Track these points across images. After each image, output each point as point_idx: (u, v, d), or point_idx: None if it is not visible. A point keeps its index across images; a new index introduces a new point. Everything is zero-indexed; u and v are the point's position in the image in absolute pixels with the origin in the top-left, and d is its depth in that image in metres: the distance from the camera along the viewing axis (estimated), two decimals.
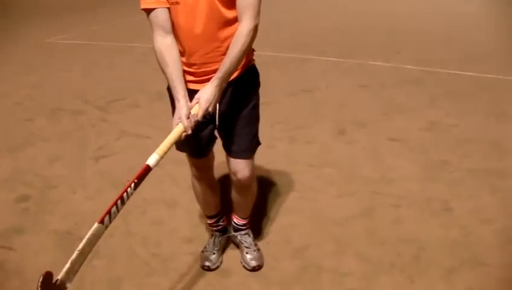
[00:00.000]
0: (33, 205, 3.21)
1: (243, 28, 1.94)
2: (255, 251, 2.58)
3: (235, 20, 1.99)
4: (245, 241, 2.60)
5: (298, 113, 4.63)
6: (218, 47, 2.03)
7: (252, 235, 2.67)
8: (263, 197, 3.11)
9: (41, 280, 1.45)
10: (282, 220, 2.98)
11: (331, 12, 10.88)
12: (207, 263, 2.54)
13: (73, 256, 1.56)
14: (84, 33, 8.91)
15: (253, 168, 2.34)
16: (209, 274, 2.53)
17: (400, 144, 4.04)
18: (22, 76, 6.15)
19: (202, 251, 2.62)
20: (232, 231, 2.68)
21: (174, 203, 3.20)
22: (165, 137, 1.89)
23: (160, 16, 1.97)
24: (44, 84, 5.77)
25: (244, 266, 2.55)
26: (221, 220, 2.69)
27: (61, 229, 2.94)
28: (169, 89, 2.09)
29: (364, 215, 3.05)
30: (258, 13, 1.95)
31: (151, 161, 1.81)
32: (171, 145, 1.90)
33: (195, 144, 2.24)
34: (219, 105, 2.08)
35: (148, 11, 1.98)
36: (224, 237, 2.70)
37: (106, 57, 7.07)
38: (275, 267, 2.58)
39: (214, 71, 2.00)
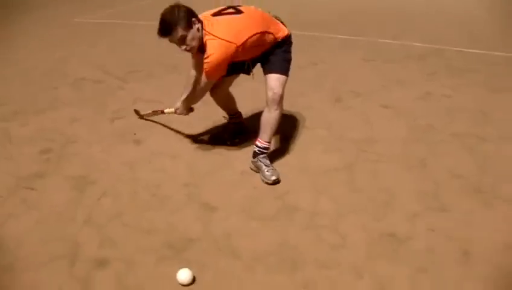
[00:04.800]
0: (54, 156, 3.61)
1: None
2: (273, 168, 3.21)
3: None
4: (265, 162, 3.23)
5: (301, 83, 4.93)
6: None
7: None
8: None
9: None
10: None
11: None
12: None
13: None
14: (110, 13, 9.33)
15: (283, 89, 3.16)
16: (198, 209, 2.91)
17: (391, 110, 4.33)
18: (50, 51, 6.58)
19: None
20: (252, 157, 3.29)
21: (177, 155, 3.57)
22: (174, 103, 3.53)
23: None
24: (69, 58, 6.19)
25: (266, 182, 3.15)
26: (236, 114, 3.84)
27: (77, 174, 3.34)
28: None
29: (346, 168, 3.37)
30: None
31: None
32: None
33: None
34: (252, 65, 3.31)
35: None
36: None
37: (129, 34, 7.47)
38: (257, 207, 2.95)
39: None
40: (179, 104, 3.44)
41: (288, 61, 3.23)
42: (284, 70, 3.19)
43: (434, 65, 5.61)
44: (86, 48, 6.73)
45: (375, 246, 2.60)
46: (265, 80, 3.18)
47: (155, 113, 3.90)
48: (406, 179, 3.24)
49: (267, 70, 3.20)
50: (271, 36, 3.12)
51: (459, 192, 3.09)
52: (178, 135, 3.86)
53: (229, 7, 3.11)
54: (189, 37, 2.88)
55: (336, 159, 3.49)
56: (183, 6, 2.90)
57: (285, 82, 3.19)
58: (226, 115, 3.85)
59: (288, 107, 4.10)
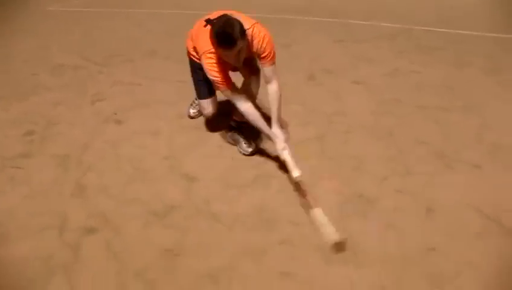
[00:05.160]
0: (38, 138, 3.75)
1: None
2: (250, 140, 3.41)
3: None
4: (242, 135, 3.43)
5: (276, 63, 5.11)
6: None
7: None
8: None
9: None
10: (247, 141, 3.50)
11: None
12: (191, 113, 3.88)
13: None
14: (83, 2, 9.36)
15: None
16: (179, 179, 3.10)
17: (362, 86, 4.52)
18: (28, 40, 6.64)
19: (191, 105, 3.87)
20: (229, 130, 3.49)
21: (158, 132, 3.73)
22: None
23: None
24: (48, 46, 6.27)
25: (243, 153, 3.37)
26: None
27: (61, 153, 3.48)
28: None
29: (318, 139, 3.57)
30: None
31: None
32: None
33: (210, 86, 3.25)
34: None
35: None
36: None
37: (105, 22, 7.54)
38: (235, 176, 3.13)
39: None
40: (281, 139, 3.04)
41: None
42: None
43: (403, 44, 5.81)
44: (63, 36, 6.80)
45: (345, 205, 2.80)
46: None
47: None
48: (374, 147, 3.44)
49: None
50: None
51: (424, 157, 3.30)
52: (157, 114, 4.00)
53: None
54: (244, 47, 2.78)
55: (308, 131, 3.68)
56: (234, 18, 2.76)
57: None
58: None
59: (263, 86, 4.25)
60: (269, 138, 3.04)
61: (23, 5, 9.16)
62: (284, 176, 3.09)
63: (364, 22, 6.84)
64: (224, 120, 3.61)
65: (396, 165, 3.20)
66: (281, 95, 3.08)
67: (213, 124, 3.78)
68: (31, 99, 4.48)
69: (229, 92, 2.94)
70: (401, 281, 2.29)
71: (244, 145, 3.39)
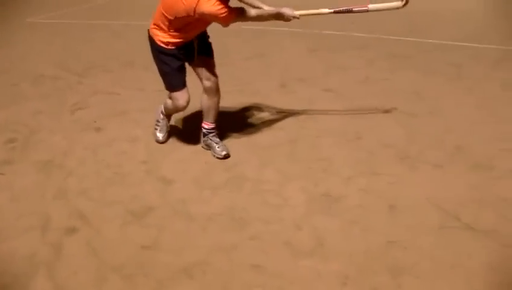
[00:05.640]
0: (19, 145, 3.86)
1: None
2: (223, 145, 3.56)
3: None
4: (215, 140, 3.56)
5: (249, 73, 5.30)
6: None
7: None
8: None
9: None
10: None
11: None
12: (161, 138, 3.74)
13: None
14: (62, 14, 9.46)
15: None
16: (156, 182, 3.26)
17: (332, 93, 4.73)
18: (6, 50, 6.75)
19: (156, 129, 3.75)
20: (202, 137, 3.60)
21: (135, 139, 3.88)
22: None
23: None
24: (27, 56, 6.38)
25: (217, 157, 3.50)
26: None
27: (43, 159, 3.60)
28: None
29: (289, 143, 3.75)
30: None
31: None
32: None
33: (182, 76, 3.36)
34: (197, 46, 3.32)
35: None
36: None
37: (85, 33, 7.67)
38: (209, 179, 3.30)
39: None
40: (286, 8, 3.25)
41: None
42: (213, 55, 3.46)
43: (373, 53, 6.05)
44: (43, 46, 6.93)
45: (312, 204, 2.97)
46: (198, 68, 3.41)
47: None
48: (342, 150, 3.63)
49: (201, 57, 3.40)
50: None
51: (389, 159, 3.50)
52: (135, 122, 4.15)
53: None
54: None
55: (280, 136, 3.86)
56: None
57: None
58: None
59: (236, 93, 4.44)
60: (278, 17, 3.22)
61: (2, 16, 9.22)
62: (256, 178, 3.26)
63: (337, 32, 7.05)
64: (196, 126, 3.74)
65: (362, 167, 3.39)
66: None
67: (187, 131, 3.94)
68: (11, 109, 4.59)
69: (234, 17, 3.04)
70: (364, 272, 2.45)
71: (217, 149, 3.52)
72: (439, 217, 2.83)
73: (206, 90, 3.43)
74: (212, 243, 2.66)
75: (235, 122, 4.07)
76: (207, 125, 3.56)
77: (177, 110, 3.56)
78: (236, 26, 3.32)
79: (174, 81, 3.37)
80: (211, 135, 3.57)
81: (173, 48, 3.23)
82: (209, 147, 3.60)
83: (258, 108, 4.37)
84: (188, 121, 4.10)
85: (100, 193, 3.15)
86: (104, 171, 3.41)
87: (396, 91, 4.75)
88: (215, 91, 3.43)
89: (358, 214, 2.89)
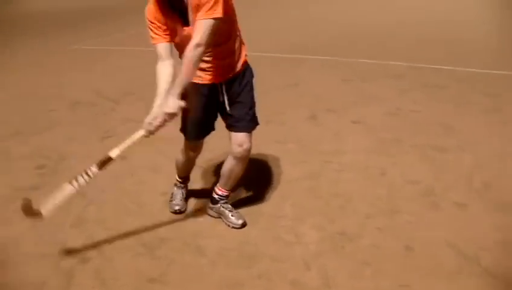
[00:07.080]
0: (48, 171, 3.99)
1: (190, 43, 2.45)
2: (237, 212, 3.15)
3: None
4: (228, 207, 3.14)
5: (280, 103, 5.32)
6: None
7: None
8: None
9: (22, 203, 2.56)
10: (241, 180, 3.66)
11: (327, 22, 11.54)
12: (177, 207, 3.31)
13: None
14: (105, 41, 9.80)
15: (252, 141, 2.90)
16: (172, 214, 3.28)
17: (361, 125, 4.68)
18: (48, 77, 7.02)
19: (171, 201, 3.36)
20: (211, 204, 3.20)
21: (157, 168, 3.93)
22: None
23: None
24: (67, 83, 6.62)
25: (233, 227, 3.09)
26: (188, 180, 3.45)
27: None
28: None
29: (311, 177, 3.71)
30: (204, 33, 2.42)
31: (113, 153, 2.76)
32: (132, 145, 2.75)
33: (202, 130, 3.00)
34: (227, 95, 2.82)
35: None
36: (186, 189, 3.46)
37: (122, 60, 7.92)
38: None
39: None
40: (149, 117, 2.87)
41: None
42: (256, 120, 2.96)
43: (408, 82, 5.97)
44: (82, 73, 7.18)
45: (325, 242, 2.93)
46: (232, 131, 2.92)
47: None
48: (363, 186, 3.57)
49: (234, 119, 2.89)
50: (239, 38, 2.79)
51: (411, 196, 3.41)
52: (160, 152, 4.20)
53: None
54: None
55: (302, 169, 3.83)
56: None
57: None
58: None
59: (263, 124, 4.42)
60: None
61: (50, 44, 9.66)
62: (272, 213, 3.26)
63: (371, 61, 7.00)
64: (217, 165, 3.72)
65: (382, 204, 3.32)
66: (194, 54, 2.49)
67: (209, 166, 3.97)
68: (45, 134, 4.75)
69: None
70: None
71: (232, 218, 3.11)
72: (457, 261, 2.72)
73: (235, 155, 2.93)
74: (219, 279, 2.65)
75: (257, 154, 4.06)
76: (221, 192, 3.12)
77: (187, 158, 3.21)
78: (270, 54, 3.31)
79: (190, 130, 3.05)
80: (223, 201, 3.16)
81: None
82: (219, 214, 3.17)
83: (283, 140, 4.36)
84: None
85: (117, 222, 3.20)
86: (123, 200, 3.47)
87: (427, 124, 4.66)
88: (245, 158, 2.93)
89: (372, 254, 2.82)
